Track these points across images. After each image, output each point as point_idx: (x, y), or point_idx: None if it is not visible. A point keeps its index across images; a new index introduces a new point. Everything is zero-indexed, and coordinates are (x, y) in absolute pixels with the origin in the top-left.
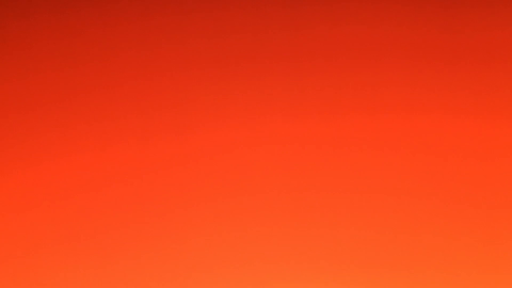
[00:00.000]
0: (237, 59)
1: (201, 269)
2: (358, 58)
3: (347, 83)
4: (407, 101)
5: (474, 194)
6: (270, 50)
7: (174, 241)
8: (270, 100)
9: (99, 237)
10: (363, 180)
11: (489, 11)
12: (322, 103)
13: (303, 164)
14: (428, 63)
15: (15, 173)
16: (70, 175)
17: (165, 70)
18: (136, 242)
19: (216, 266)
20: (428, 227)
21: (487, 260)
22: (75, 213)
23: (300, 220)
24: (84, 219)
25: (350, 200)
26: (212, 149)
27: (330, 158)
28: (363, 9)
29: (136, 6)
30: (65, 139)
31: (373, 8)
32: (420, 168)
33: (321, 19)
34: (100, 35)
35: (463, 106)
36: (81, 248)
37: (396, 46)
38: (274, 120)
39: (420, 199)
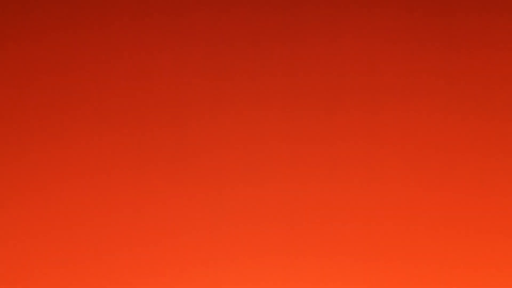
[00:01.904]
0: (235, 61)
1: (201, 270)
2: (357, 60)
3: (345, 84)
4: (405, 101)
5: (474, 193)
6: (268, 51)
7: (172, 240)
8: (269, 102)
9: (97, 237)
10: (361, 180)
11: (487, 13)
12: (321, 103)
13: (302, 164)
14: (426, 65)
15: (13, 174)
16: (67, 174)
17: (164, 71)
18: (133, 242)
19: (216, 267)
20: (427, 226)
21: (486, 259)
22: (73, 213)
23: (299, 220)
24: (81, 220)
25: (349, 199)
26: (210, 149)
27: (328, 158)
28: (361, 11)
29: (134, 6)
30: (63, 138)
31: (371, 9)
32: (419, 168)
33: (320, 21)
34: (98, 36)
35: (462, 106)
36: (79, 249)
37: (395, 46)
38: (273, 121)
39: (419, 198)
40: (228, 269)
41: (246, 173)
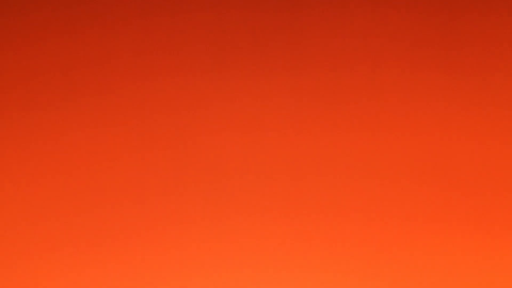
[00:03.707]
0: (235, 62)
1: (201, 271)
2: (357, 59)
3: (346, 84)
4: (405, 102)
5: (473, 192)
6: (268, 52)
7: (171, 241)
8: (269, 102)
9: (97, 238)
10: (360, 180)
11: (487, 14)
12: (321, 104)
13: (302, 163)
14: (426, 64)
15: (14, 176)
16: (69, 176)
17: (163, 72)
18: (132, 243)
19: (216, 267)
20: (428, 226)
21: (486, 258)
22: (72, 214)
23: (298, 219)
24: (81, 220)
25: (348, 198)
26: (210, 150)
27: (328, 158)
28: (362, 11)
29: (134, 7)
30: (64, 140)
31: (373, 9)
32: (419, 167)
33: (320, 21)
34: (98, 36)
35: (462, 104)
36: (78, 249)
37: (395, 47)
38: (273, 121)
39: (420, 198)
40: (228, 264)
41: (246, 171)
